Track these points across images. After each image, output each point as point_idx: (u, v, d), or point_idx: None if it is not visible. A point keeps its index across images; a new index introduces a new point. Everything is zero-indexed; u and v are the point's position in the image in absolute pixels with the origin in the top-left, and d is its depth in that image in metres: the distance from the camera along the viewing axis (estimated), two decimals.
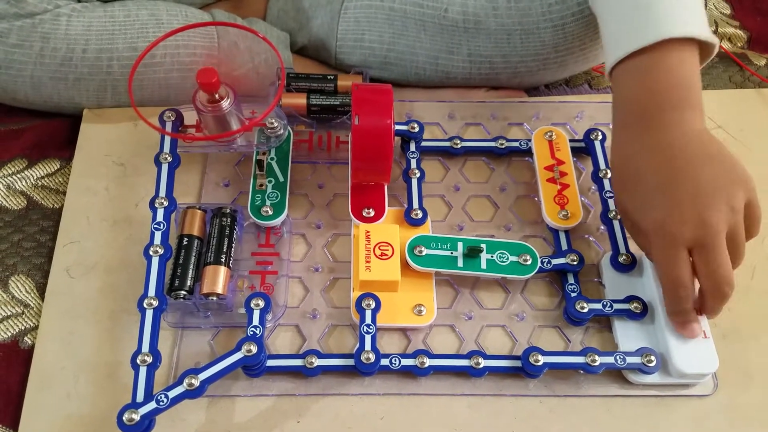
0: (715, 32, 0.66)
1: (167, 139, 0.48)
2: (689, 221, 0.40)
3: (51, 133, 0.56)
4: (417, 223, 0.50)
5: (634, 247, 0.49)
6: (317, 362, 0.43)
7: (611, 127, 0.46)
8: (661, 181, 0.41)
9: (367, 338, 0.44)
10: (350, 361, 0.43)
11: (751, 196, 0.41)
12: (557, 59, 0.55)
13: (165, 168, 0.47)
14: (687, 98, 0.42)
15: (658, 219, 0.41)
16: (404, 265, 0.47)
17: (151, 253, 0.44)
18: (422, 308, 0.46)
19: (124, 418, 0.40)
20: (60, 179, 0.54)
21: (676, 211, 0.40)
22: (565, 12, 0.53)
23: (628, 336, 0.46)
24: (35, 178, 0.54)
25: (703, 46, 0.43)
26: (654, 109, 0.42)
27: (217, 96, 0.45)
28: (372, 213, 0.49)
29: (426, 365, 0.43)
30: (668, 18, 0.42)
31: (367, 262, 0.46)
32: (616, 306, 0.46)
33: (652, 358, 0.43)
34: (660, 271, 0.42)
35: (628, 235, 0.49)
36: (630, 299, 0.46)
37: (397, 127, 0.52)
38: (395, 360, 0.44)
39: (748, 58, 0.63)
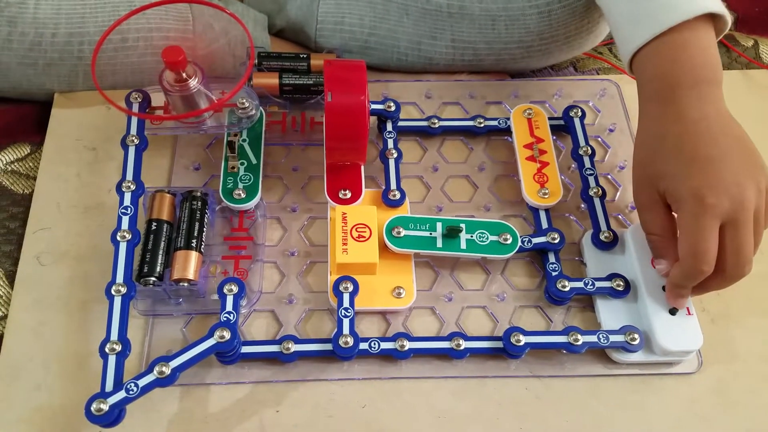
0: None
1: (134, 121, 0.45)
2: (727, 194, 0.38)
3: (21, 117, 0.52)
4: (395, 204, 0.47)
5: (615, 224, 0.47)
6: (294, 348, 0.40)
7: (638, 102, 0.43)
8: (700, 153, 0.39)
9: (345, 322, 0.41)
10: (328, 346, 0.41)
11: (767, 184, 0.39)
12: (541, 47, 0.52)
13: (132, 151, 0.44)
14: (716, 76, 0.41)
15: (695, 187, 0.38)
16: (382, 247, 0.44)
17: (118, 238, 0.41)
18: (401, 291, 0.43)
19: (92, 408, 0.37)
20: (30, 164, 0.50)
21: (717, 181, 0.38)
22: None
23: (610, 314, 0.43)
24: (4, 162, 0.50)
25: (716, 23, 0.42)
26: (690, 83, 0.40)
27: (184, 75, 0.42)
28: (348, 195, 0.46)
29: (406, 348, 0.41)
30: None
31: (344, 244, 0.43)
32: (598, 284, 0.43)
33: (636, 336, 0.41)
34: (687, 241, 0.39)
35: (609, 212, 0.46)
36: (612, 277, 0.43)
37: (374, 106, 0.49)
38: (374, 344, 0.41)
39: (735, 39, 0.61)
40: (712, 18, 0.41)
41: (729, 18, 0.41)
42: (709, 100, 0.40)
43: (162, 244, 0.42)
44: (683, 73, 0.40)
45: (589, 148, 0.49)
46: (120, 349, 0.38)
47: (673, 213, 0.41)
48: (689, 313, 0.42)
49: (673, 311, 0.42)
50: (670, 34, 0.40)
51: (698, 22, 0.40)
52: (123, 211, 0.42)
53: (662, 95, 0.41)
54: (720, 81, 0.41)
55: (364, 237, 0.43)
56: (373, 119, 0.51)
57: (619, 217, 0.48)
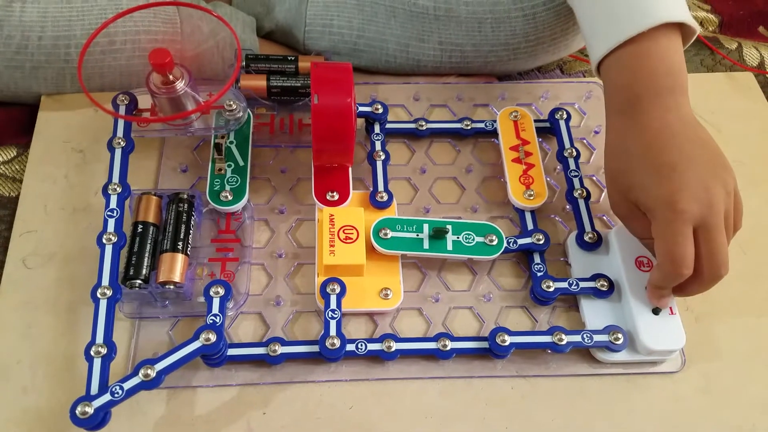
0: None
1: (120, 124, 0.44)
2: (696, 199, 0.37)
3: (8, 119, 0.51)
4: (382, 206, 0.46)
5: (599, 225, 0.47)
6: (281, 350, 0.40)
7: (605, 113, 0.43)
8: (666, 161, 0.38)
9: (332, 323, 0.40)
10: (315, 348, 0.40)
11: (736, 186, 0.39)
12: (527, 49, 0.52)
13: (118, 153, 0.43)
14: (679, 83, 0.40)
15: (667, 195, 0.38)
16: (370, 249, 0.43)
17: (104, 241, 0.41)
18: (389, 292, 0.43)
19: (77, 412, 0.36)
20: (17, 167, 0.49)
21: (684, 187, 0.37)
22: (536, 1, 0.50)
23: (595, 314, 0.43)
24: None
25: (683, 30, 0.41)
26: (651, 94, 0.40)
27: (171, 77, 0.41)
28: (336, 196, 0.45)
29: (393, 349, 0.40)
30: (655, 4, 0.40)
31: (332, 246, 0.42)
32: (582, 284, 0.43)
33: (620, 335, 0.41)
34: (663, 247, 0.38)
35: (594, 213, 0.46)
36: (596, 277, 0.43)
37: (361, 108, 0.49)
38: (361, 345, 0.40)
39: (719, 42, 0.61)
40: (679, 24, 0.40)
41: (695, 24, 0.41)
42: (671, 108, 0.39)
43: (148, 246, 0.41)
44: (644, 84, 0.40)
45: (574, 150, 0.48)
46: (105, 352, 0.38)
47: None
48: (672, 313, 0.41)
49: (656, 311, 0.41)
50: (631, 44, 0.40)
51: (660, 30, 0.40)
52: (109, 213, 0.41)
53: (624, 108, 0.41)
54: (684, 87, 0.40)
55: (352, 239, 0.43)
56: (360, 121, 0.50)
57: (604, 218, 0.48)
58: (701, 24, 0.63)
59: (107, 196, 0.42)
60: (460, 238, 0.44)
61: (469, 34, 0.51)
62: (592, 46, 0.42)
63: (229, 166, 0.46)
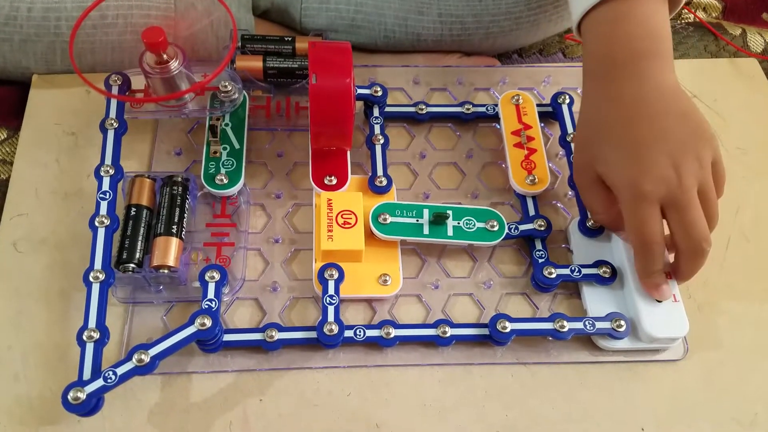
0: (690, 2, 0.62)
1: (113, 104, 0.43)
2: (663, 180, 0.37)
3: None
4: (381, 190, 0.45)
5: None
6: (278, 336, 0.39)
7: (582, 79, 0.42)
8: (635, 137, 0.37)
9: (330, 309, 0.40)
10: (313, 334, 0.39)
11: (716, 154, 0.39)
12: (530, 17, 0.51)
13: (111, 134, 0.42)
14: (659, 48, 0.38)
15: (630, 176, 0.37)
16: (368, 234, 0.43)
17: (96, 224, 0.40)
18: (387, 278, 0.42)
19: (69, 397, 0.35)
20: (7, 149, 0.48)
21: (649, 168, 0.37)
22: None
23: (596, 301, 0.42)
24: None
25: None
26: (626, 59, 0.38)
27: (165, 57, 0.40)
28: (334, 181, 0.45)
29: (391, 335, 0.40)
30: None
31: (330, 231, 0.41)
32: (585, 271, 0.42)
33: (622, 323, 0.40)
34: (631, 228, 0.38)
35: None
36: (598, 264, 0.43)
37: (360, 90, 0.48)
38: (360, 331, 0.40)
39: (723, 28, 0.60)
40: None
41: None
42: (648, 76, 0.38)
43: (141, 230, 0.40)
44: (618, 48, 0.39)
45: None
46: (98, 336, 0.37)
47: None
48: (675, 300, 0.41)
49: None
50: (608, 4, 0.39)
51: None
52: (101, 196, 0.41)
53: (599, 73, 0.40)
54: (665, 52, 0.39)
55: (350, 224, 0.42)
56: (359, 104, 0.49)
57: None
58: (704, 9, 0.62)
59: (100, 179, 0.41)
60: (461, 224, 0.43)
61: (470, 4, 0.50)
62: (573, 3, 0.41)
63: (225, 149, 0.45)
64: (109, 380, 0.36)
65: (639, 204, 0.37)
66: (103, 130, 0.43)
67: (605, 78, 0.39)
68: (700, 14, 0.62)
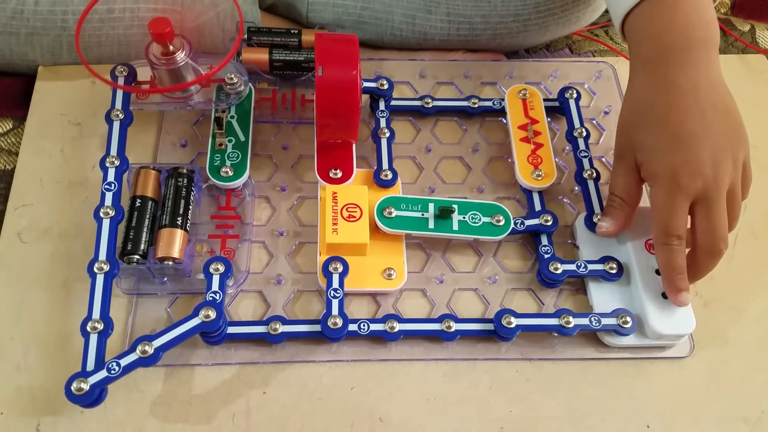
0: None
1: (119, 95, 0.43)
2: (702, 175, 0.37)
3: (3, 91, 0.50)
4: (387, 184, 0.45)
5: None
6: (282, 329, 0.39)
7: (629, 66, 0.41)
8: (682, 127, 0.37)
9: (335, 303, 0.39)
10: (317, 327, 0.39)
11: (747, 156, 0.39)
12: (538, 20, 0.51)
13: (116, 125, 0.42)
14: (712, 36, 0.39)
15: (672, 166, 0.37)
16: (373, 228, 0.42)
17: (101, 215, 0.39)
18: (392, 272, 0.42)
19: (72, 388, 0.35)
20: (12, 140, 0.48)
21: (692, 162, 0.37)
22: None
23: (603, 298, 0.42)
24: None
25: None
26: (683, 46, 0.38)
27: (171, 48, 0.40)
28: (339, 174, 0.44)
29: (396, 330, 0.39)
30: None
31: (335, 224, 0.41)
32: (591, 267, 0.42)
33: (628, 319, 0.40)
34: (659, 218, 0.38)
35: (603, 195, 0.45)
36: (605, 260, 0.42)
37: (366, 84, 0.47)
38: (364, 325, 0.39)
39: (732, 24, 0.59)
40: None
41: None
42: (702, 66, 0.38)
43: (146, 221, 0.40)
44: (676, 33, 0.38)
45: (583, 130, 0.47)
46: (102, 327, 0.37)
47: (642, 182, 0.40)
48: None
49: (665, 294, 0.40)
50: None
51: None
52: (106, 187, 0.40)
53: (653, 59, 0.39)
54: (716, 42, 0.39)
55: (355, 217, 0.42)
56: (365, 98, 0.49)
57: None
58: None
59: (105, 169, 0.41)
60: (467, 218, 0.43)
61: (478, 5, 0.50)
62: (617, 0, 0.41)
63: (230, 141, 0.44)
64: (112, 371, 0.36)
65: (674, 195, 0.37)
66: (109, 121, 0.43)
67: (659, 64, 0.39)
68: None
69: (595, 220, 0.43)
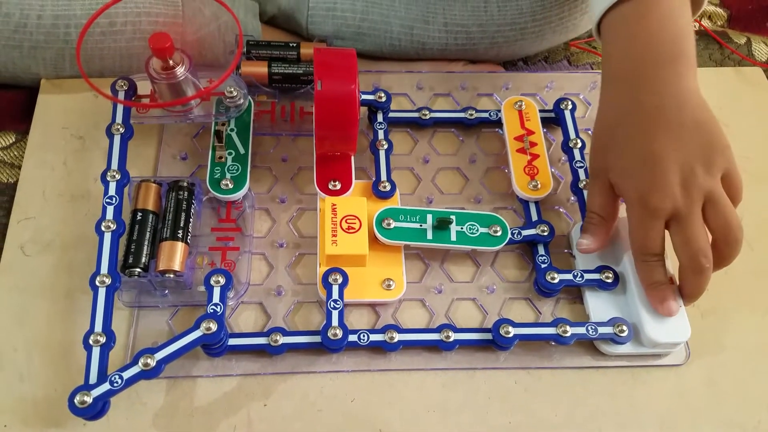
0: None
1: (119, 110, 0.43)
2: (671, 196, 0.37)
3: (6, 104, 0.50)
4: (385, 195, 0.45)
5: None
6: (282, 340, 0.39)
7: (601, 78, 0.42)
8: (649, 150, 0.38)
9: (335, 314, 0.40)
10: (317, 338, 0.39)
11: (730, 164, 0.39)
12: (535, 28, 0.51)
13: (117, 139, 0.42)
14: (682, 51, 0.38)
15: (641, 189, 0.38)
16: (372, 239, 0.43)
17: (103, 228, 0.40)
18: (391, 282, 0.42)
19: (75, 401, 0.36)
20: (15, 153, 0.48)
21: (659, 184, 0.37)
22: None
23: (599, 307, 0.42)
24: None
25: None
26: (647, 64, 0.38)
27: (171, 62, 0.40)
28: (338, 186, 0.45)
29: (395, 340, 0.40)
30: None
31: (334, 236, 0.42)
32: (587, 276, 0.42)
33: (624, 328, 0.40)
34: (634, 238, 0.39)
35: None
36: (601, 269, 0.43)
37: (364, 96, 0.48)
38: (364, 336, 0.40)
39: (728, 36, 0.60)
40: None
41: None
42: (670, 82, 0.38)
43: (147, 234, 0.40)
44: (644, 49, 0.38)
45: (579, 140, 0.48)
46: (104, 340, 0.37)
47: (618, 198, 0.41)
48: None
49: None
50: (629, 2, 0.38)
51: None
52: (108, 200, 0.41)
53: (621, 76, 0.39)
54: (689, 55, 0.38)
55: (354, 228, 0.42)
56: (363, 110, 0.49)
57: None
58: (709, 18, 0.62)
59: (106, 183, 0.41)
60: (464, 229, 0.43)
61: (475, 14, 0.50)
62: (593, 3, 0.41)
63: (230, 153, 0.45)
64: (115, 384, 0.36)
65: (645, 218, 0.38)
66: (110, 135, 0.43)
67: (625, 83, 0.39)
68: (705, 23, 0.62)
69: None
